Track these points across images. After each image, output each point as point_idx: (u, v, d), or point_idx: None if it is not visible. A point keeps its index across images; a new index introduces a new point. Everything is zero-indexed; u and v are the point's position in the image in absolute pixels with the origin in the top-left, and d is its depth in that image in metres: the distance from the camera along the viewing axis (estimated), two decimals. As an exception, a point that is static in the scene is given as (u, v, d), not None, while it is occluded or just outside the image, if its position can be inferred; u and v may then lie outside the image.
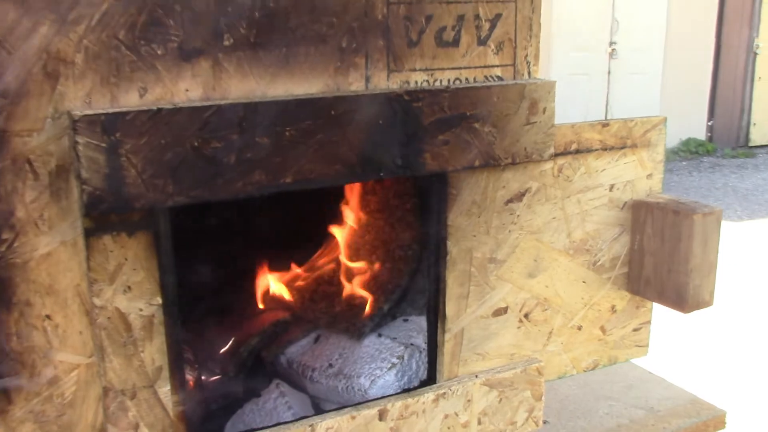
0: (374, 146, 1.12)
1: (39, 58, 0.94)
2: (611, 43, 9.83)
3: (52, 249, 0.99)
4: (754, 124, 10.69)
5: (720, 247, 1.34)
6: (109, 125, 0.95)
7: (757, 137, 10.78)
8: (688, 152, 10.33)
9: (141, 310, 1.05)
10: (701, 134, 10.58)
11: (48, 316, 1.01)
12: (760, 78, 10.60)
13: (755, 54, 10.37)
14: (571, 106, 9.38)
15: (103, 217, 1.00)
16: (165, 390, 1.09)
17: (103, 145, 0.95)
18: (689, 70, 10.37)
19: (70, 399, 1.04)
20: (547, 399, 1.63)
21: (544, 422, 1.60)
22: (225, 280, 1.44)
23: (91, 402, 1.05)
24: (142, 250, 1.03)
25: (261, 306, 1.53)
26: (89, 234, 1.00)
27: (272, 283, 1.54)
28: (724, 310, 4.60)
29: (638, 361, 1.83)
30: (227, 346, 1.56)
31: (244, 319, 1.56)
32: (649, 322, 1.51)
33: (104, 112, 0.95)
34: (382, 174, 1.15)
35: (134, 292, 1.04)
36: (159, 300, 1.06)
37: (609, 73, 9.95)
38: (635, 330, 1.50)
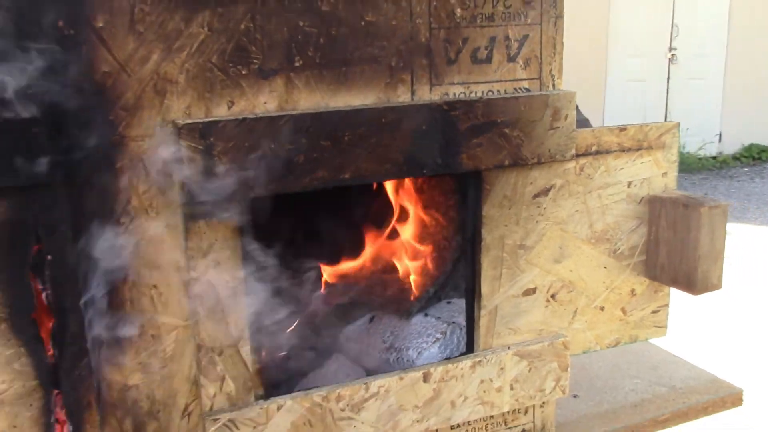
0: (418, 148, 1.34)
1: (151, 79, 1.19)
2: (671, 49, 9.80)
3: (158, 231, 1.24)
4: (819, 128, 10.47)
5: (725, 237, 1.52)
6: (205, 131, 1.19)
7: (821, 142, 10.54)
8: (751, 158, 10.22)
9: (228, 281, 1.29)
10: (765, 140, 10.44)
11: (154, 286, 1.25)
12: (824, 81, 10.37)
13: (822, 57, 10.16)
14: (629, 112, 9.42)
15: (199, 206, 1.24)
16: (246, 349, 1.33)
17: (200, 147, 1.19)
18: (752, 74, 10.25)
19: (171, 354, 1.29)
20: (578, 377, 1.83)
21: (574, 396, 1.79)
22: (293, 266, 1.68)
23: (187, 357, 1.30)
24: (228, 232, 1.27)
25: (323, 290, 1.76)
26: (187, 219, 1.25)
27: (333, 270, 1.77)
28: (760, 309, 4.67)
29: (664, 345, 2.01)
30: (294, 325, 1.79)
31: (309, 300, 1.79)
32: (667, 305, 1.69)
33: (201, 121, 1.20)
34: (425, 171, 1.37)
35: (222, 267, 1.28)
36: (241, 274, 1.30)
37: (668, 78, 9.93)
38: (654, 312, 1.69)
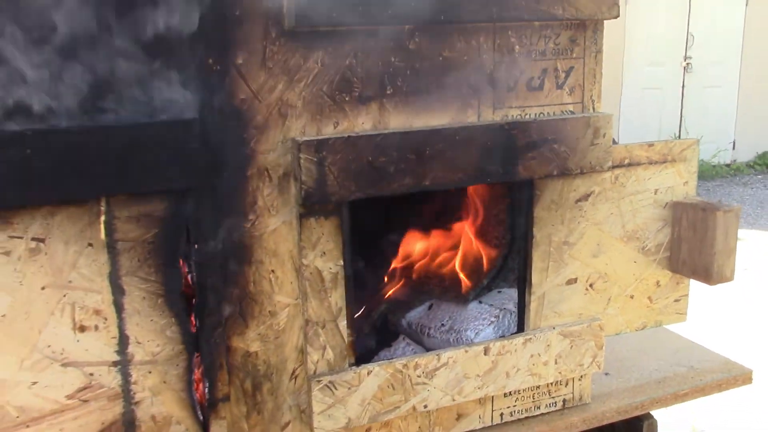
0: (484, 160, 1.64)
1: (276, 104, 1.49)
2: (686, 57, 10.00)
3: (277, 226, 1.54)
4: (833, 136, 10.59)
5: (737, 236, 1.80)
6: (318, 146, 1.49)
7: (836, 151, 10.65)
8: (765, 166, 10.40)
9: (331, 268, 1.59)
10: (779, 148, 10.57)
11: (272, 271, 1.55)
12: (839, 90, 10.51)
13: (834, 65, 10.29)
14: (645, 119, 9.66)
15: (311, 206, 1.54)
16: (343, 324, 1.62)
17: (315, 159, 1.49)
18: (766, 83, 10.41)
19: (283, 327, 1.58)
20: (609, 358, 2.11)
21: (606, 374, 2.08)
22: (375, 259, 1.98)
23: (296, 330, 1.59)
24: (333, 228, 1.57)
25: (400, 277, 2.06)
26: (301, 217, 1.55)
27: (401, 262, 2.07)
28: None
29: (685, 334, 2.29)
30: (361, 311, 2.09)
31: (377, 289, 2.09)
32: (687, 295, 1.97)
33: (315, 138, 1.50)
34: (489, 180, 1.66)
35: (327, 256, 1.58)
36: (341, 262, 1.59)
37: (683, 86, 10.13)
38: (676, 300, 1.97)
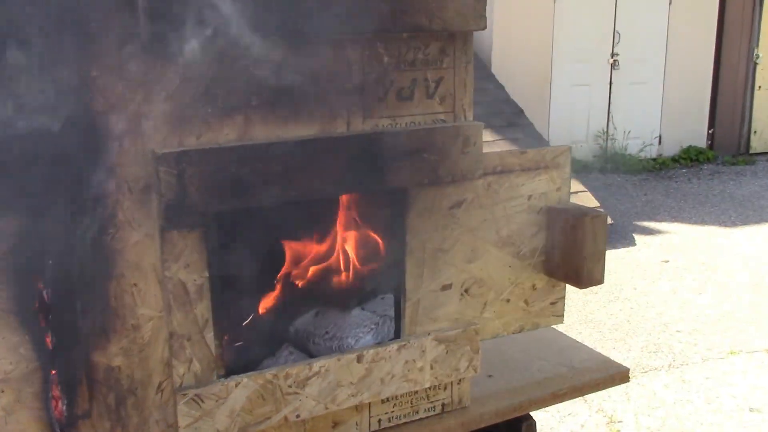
0: (354, 170, 1.65)
1: (135, 117, 1.47)
2: (613, 54, 10.23)
3: (139, 239, 1.52)
4: (755, 132, 10.96)
5: (606, 241, 1.85)
6: (178, 159, 1.48)
7: (757, 145, 11.04)
8: (689, 160, 10.68)
9: (195, 280, 1.58)
10: (702, 142, 10.89)
11: (135, 284, 1.54)
12: (760, 87, 10.88)
13: (755, 63, 10.66)
14: (574, 114, 9.85)
15: (173, 219, 1.53)
16: (210, 336, 1.62)
17: (174, 171, 1.48)
18: (690, 79, 10.69)
19: (148, 340, 1.57)
20: (493, 359, 2.15)
21: (489, 376, 2.12)
22: (252, 266, 1.97)
23: (161, 343, 1.58)
24: (196, 240, 1.56)
25: (277, 287, 2.06)
26: (163, 230, 1.53)
27: (286, 270, 2.07)
28: (706, 304, 5.11)
29: (572, 334, 2.35)
30: (249, 318, 2.09)
31: (263, 296, 2.08)
32: (563, 297, 2.02)
33: (174, 150, 1.49)
34: (359, 189, 1.67)
35: (191, 268, 1.57)
36: (206, 274, 1.59)
37: (611, 83, 10.35)
38: (552, 303, 2.02)
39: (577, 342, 2.32)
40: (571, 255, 1.87)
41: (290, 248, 1.97)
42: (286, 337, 2.08)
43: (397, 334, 1.85)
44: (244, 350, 1.94)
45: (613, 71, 10.19)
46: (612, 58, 10.16)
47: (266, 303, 2.08)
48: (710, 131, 10.72)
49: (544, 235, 1.95)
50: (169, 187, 1.48)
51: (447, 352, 1.86)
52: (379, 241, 1.95)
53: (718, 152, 10.59)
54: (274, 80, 1.58)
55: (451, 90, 1.76)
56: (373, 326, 1.91)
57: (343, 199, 1.95)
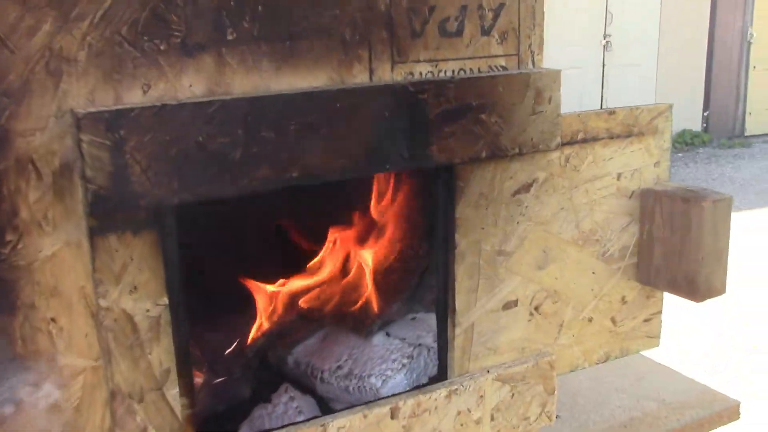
0: (380, 139, 1.11)
1: (42, 56, 0.92)
2: (605, 36, 9.80)
3: (57, 250, 0.97)
4: (750, 113, 10.62)
5: (729, 235, 1.33)
6: (113, 122, 0.93)
7: (752, 127, 10.70)
8: (684, 143, 10.29)
9: (148, 310, 1.03)
10: (697, 125, 10.52)
11: (53, 319, 0.99)
12: (754, 67, 10.52)
13: (749, 43, 10.30)
14: (567, 98, 9.37)
15: (108, 216, 0.98)
16: (173, 393, 1.07)
17: (107, 142, 0.93)
18: (683, 61, 10.33)
19: (77, 404, 1.02)
20: (558, 393, 1.61)
21: (556, 417, 1.58)
22: (230, 280, 1.42)
23: (98, 406, 1.03)
24: (147, 249, 1.01)
25: (271, 305, 1.51)
26: (94, 234, 0.98)
27: (280, 285, 1.52)
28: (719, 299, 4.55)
29: (647, 352, 1.82)
30: (232, 348, 1.54)
31: (249, 318, 1.54)
32: (659, 312, 1.50)
33: (108, 109, 0.94)
34: (388, 167, 1.13)
35: (140, 293, 1.02)
36: (165, 300, 1.04)
37: (603, 65, 9.92)
38: (646, 321, 1.49)
39: (658, 364, 1.80)
40: (679, 255, 1.34)
41: (287, 252, 1.43)
42: (284, 370, 1.54)
43: (442, 372, 1.31)
44: (226, 399, 1.39)
45: (605, 53, 9.76)
46: (604, 39, 9.74)
47: (257, 328, 1.54)
48: (705, 114, 10.34)
49: (636, 228, 1.41)
50: (98, 167, 0.93)
51: (513, 395, 1.32)
52: (413, 240, 1.41)
53: (713, 135, 10.22)
54: (261, 2, 1.03)
55: (514, 23, 1.22)
56: (405, 360, 1.38)
57: (362, 182, 1.41)
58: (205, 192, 1.00)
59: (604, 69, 9.86)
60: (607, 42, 9.76)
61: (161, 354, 1.05)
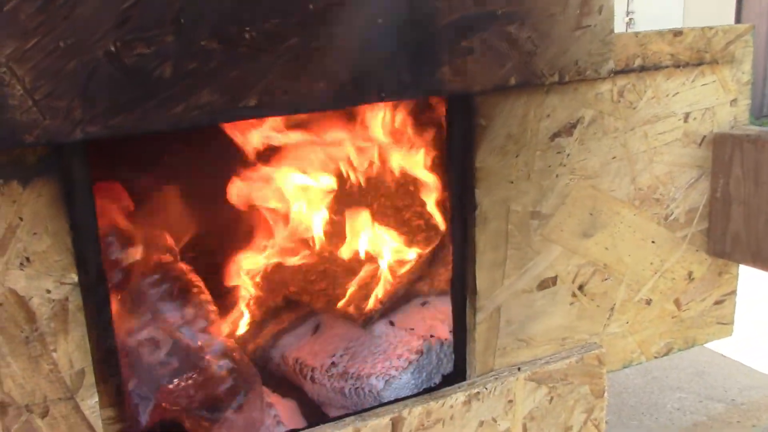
0: (371, 57, 0.81)
1: None
2: (628, 13, 9.47)
3: None
4: (778, 93, 10.27)
5: (836, 189, 1.02)
6: (-23, 18, 0.64)
7: (780, 106, 10.37)
8: (711, 124, 9.96)
9: (48, 292, 0.74)
10: (724, 105, 10.17)
11: None
12: (782, 48, 10.16)
13: (776, 25, 9.93)
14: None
15: (-20, 157, 0.69)
16: (91, 403, 0.78)
17: (-30, 47, 0.64)
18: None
19: (-45, 420, 0.74)
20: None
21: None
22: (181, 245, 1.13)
23: (-14, 423, 0.75)
24: (44, 205, 0.73)
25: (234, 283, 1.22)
26: (-37, 184, 0.70)
27: (249, 255, 1.23)
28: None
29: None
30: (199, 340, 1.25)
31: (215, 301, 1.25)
32: (734, 292, 1.19)
33: (-30, -1, 0.65)
34: (383, 95, 0.83)
35: (36, 267, 0.73)
36: (74, 277, 0.75)
37: (626, 44, 9.61)
38: (717, 303, 1.18)
39: (722, 356, 1.49)
40: (767, 218, 1.03)
41: (252, 214, 1.15)
42: (269, 367, 1.26)
43: (460, 369, 1.02)
44: (184, 410, 1.10)
45: (628, 30, 9.41)
46: (627, 16, 9.39)
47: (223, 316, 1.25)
48: (734, 93, 9.99)
49: (707, 184, 1.11)
50: (-40, 83, 0.64)
51: (551, 399, 1.02)
52: (419, 201, 1.11)
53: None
54: None
55: None
56: (413, 356, 1.08)
57: (351, 114, 1.11)
58: (122, 124, 0.71)
59: (627, 48, 9.55)
60: (630, 19, 9.41)
61: (71, 351, 0.76)
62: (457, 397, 0.96)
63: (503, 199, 0.96)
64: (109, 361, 0.80)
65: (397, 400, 0.98)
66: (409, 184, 1.17)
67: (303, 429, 0.95)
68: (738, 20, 9.62)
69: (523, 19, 0.88)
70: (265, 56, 0.76)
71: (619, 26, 9.15)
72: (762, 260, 1.06)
